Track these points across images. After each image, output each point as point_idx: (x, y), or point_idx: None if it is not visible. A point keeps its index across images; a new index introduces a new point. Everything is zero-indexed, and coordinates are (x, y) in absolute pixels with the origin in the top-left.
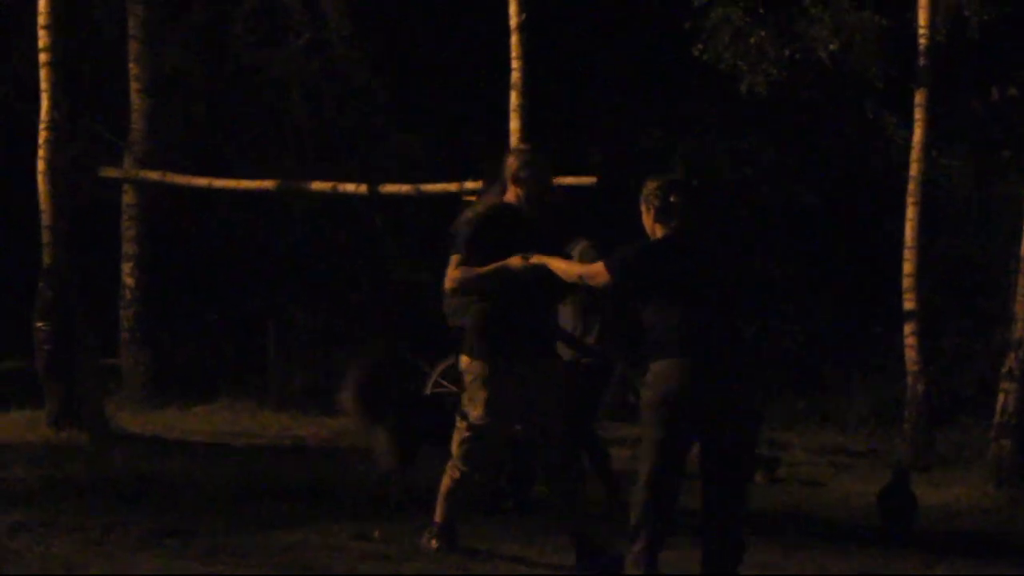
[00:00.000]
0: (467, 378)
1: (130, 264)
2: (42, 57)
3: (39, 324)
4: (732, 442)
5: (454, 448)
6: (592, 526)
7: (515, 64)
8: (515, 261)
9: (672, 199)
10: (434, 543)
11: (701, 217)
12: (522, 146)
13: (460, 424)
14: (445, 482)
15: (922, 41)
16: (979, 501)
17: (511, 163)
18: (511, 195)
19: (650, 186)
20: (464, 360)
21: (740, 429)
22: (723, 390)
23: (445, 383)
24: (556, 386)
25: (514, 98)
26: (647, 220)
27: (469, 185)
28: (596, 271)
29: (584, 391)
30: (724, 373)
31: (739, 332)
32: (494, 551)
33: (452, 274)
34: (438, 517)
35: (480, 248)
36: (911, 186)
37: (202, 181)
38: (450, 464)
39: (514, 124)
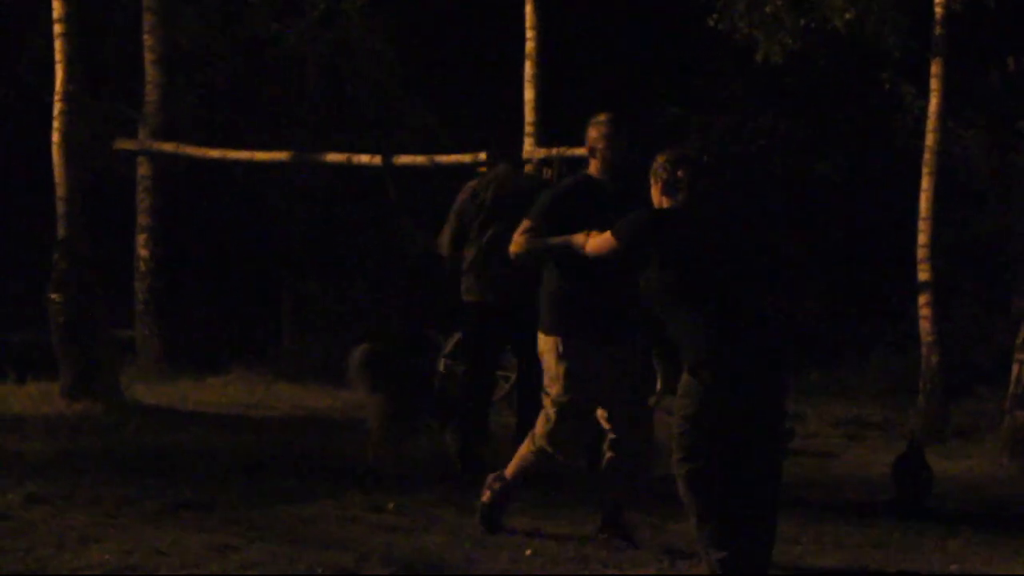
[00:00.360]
0: (544, 356)
1: (144, 236)
2: (57, 28)
3: (53, 296)
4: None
5: (538, 427)
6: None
7: (529, 34)
8: (580, 238)
9: (679, 173)
10: (487, 495)
11: (708, 192)
12: (601, 116)
13: (544, 402)
14: (526, 446)
15: (938, 10)
16: (993, 472)
17: (590, 133)
18: (593, 167)
19: (659, 159)
20: (540, 337)
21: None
22: (749, 406)
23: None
24: (629, 372)
25: (528, 68)
26: (655, 193)
27: (483, 157)
28: (604, 239)
29: None
30: (749, 387)
31: (764, 322)
32: (509, 523)
33: (518, 239)
34: (508, 472)
35: (553, 218)
36: (926, 156)
37: (216, 153)
38: (534, 434)
39: (529, 94)
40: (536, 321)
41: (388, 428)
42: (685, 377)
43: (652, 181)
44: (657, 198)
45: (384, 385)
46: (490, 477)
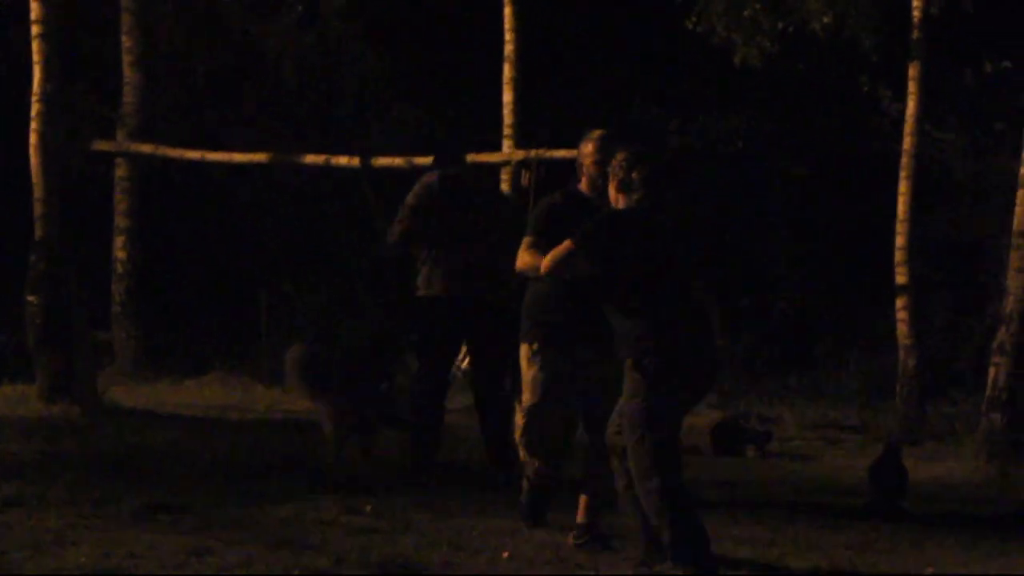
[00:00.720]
0: (521, 362)
1: (122, 237)
2: (34, 29)
3: (30, 298)
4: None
5: (516, 434)
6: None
7: (508, 37)
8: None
9: (634, 174)
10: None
11: (663, 191)
12: (593, 133)
13: (517, 407)
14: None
15: (916, 14)
16: (970, 475)
17: (580, 148)
18: (582, 182)
19: (617, 157)
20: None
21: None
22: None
23: None
24: (604, 377)
25: (507, 71)
26: (611, 190)
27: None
28: (563, 250)
29: None
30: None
31: (703, 316)
32: (487, 526)
33: (521, 256)
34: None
35: (547, 229)
36: (904, 160)
37: (195, 154)
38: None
39: (507, 97)
40: (494, 317)
41: (340, 432)
42: (630, 375)
43: (610, 179)
44: (613, 195)
45: (327, 389)
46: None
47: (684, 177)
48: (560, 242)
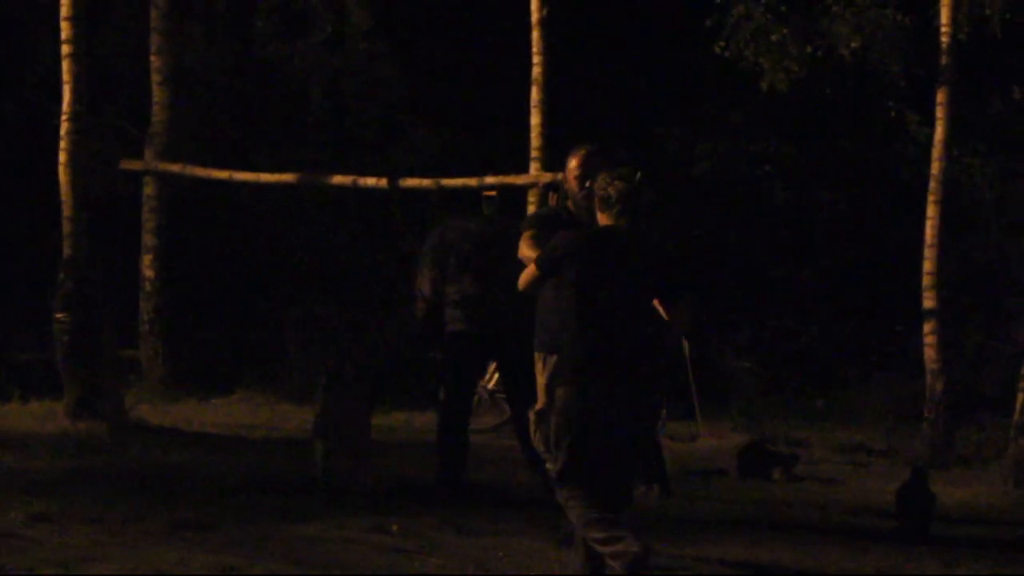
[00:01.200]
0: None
1: (149, 256)
2: (64, 49)
3: (59, 315)
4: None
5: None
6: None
7: (536, 60)
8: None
9: (612, 192)
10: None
11: (641, 211)
12: (580, 149)
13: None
14: None
15: (944, 39)
16: (998, 500)
17: (566, 164)
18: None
19: (599, 177)
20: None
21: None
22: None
23: None
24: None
25: (535, 93)
26: (595, 207)
27: (489, 180)
28: (530, 268)
29: None
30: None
31: (647, 341)
32: (512, 546)
33: (525, 248)
34: None
35: (538, 230)
36: (932, 185)
37: (222, 174)
38: None
39: (535, 119)
40: (520, 344)
41: (333, 446)
42: (559, 392)
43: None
44: (597, 213)
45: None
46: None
47: (711, 201)
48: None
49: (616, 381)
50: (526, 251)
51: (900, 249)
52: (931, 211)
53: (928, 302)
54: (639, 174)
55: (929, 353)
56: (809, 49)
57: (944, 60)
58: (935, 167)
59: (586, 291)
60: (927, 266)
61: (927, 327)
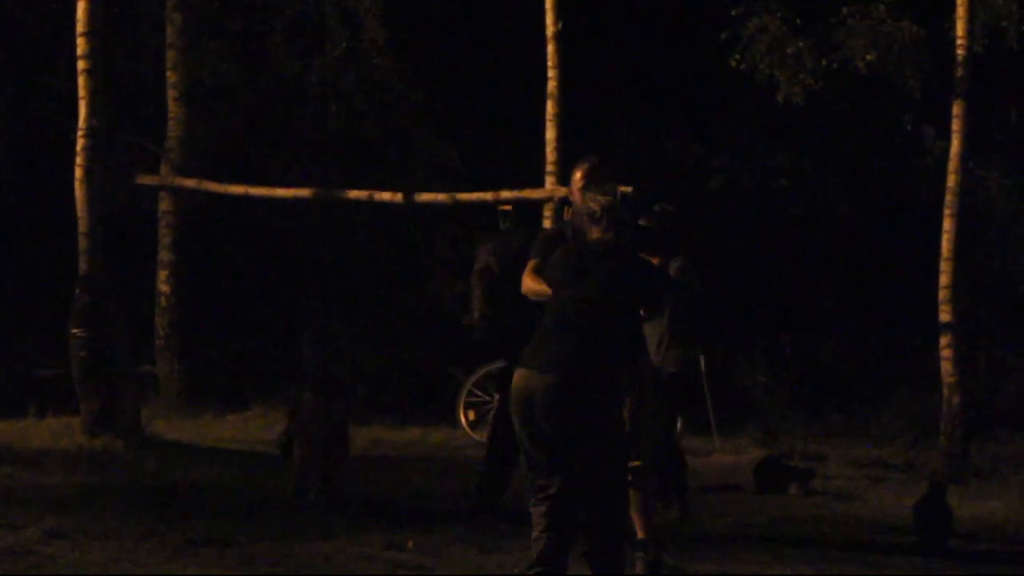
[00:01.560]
0: None
1: (166, 272)
2: (81, 64)
3: (75, 331)
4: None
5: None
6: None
7: (551, 73)
8: None
9: (593, 206)
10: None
11: (625, 226)
12: (585, 161)
13: None
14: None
15: (960, 51)
16: (1015, 514)
17: (573, 175)
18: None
19: (588, 192)
20: None
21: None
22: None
23: (478, 392)
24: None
25: (550, 107)
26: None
27: (504, 194)
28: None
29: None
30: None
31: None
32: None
33: (524, 281)
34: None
35: (540, 257)
36: (948, 198)
37: (238, 189)
38: None
39: (550, 134)
40: None
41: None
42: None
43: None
44: (585, 225)
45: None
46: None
47: (727, 215)
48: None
49: (566, 372)
50: (529, 284)
51: (916, 263)
52: (947, 224)
53: (944, 316)
54: (623, 189)
55: (946, 367)
56: (824, 62)
57: (960, 72)
58: (951, 180)
59: (559, 297)
60: (943, 280)
61: (944, 341)
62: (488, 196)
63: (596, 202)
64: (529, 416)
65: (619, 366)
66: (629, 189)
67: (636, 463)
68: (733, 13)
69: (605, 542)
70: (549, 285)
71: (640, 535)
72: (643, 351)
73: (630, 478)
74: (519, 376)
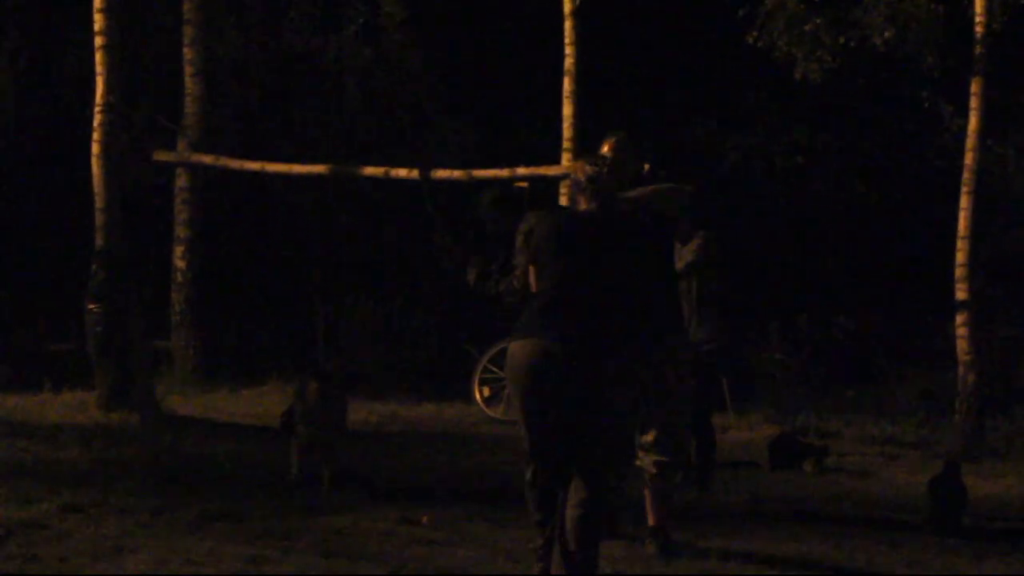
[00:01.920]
0: None
1: (181, 247)
2: (97, 40)
3: (91, 306)
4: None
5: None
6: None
7: (568, 50)
8: None
9: (579, 176)
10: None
11: (611, 198)
12: (613, 135)
13: None
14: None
15: (978, 29)
16: None
17: (600, 149)
18: None
19: (576, 163)
20: None
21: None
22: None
23: (493, 368)
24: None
25: (567, 84)
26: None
27: (521, 171)
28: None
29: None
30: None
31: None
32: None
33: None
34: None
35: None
36: (965, 175)
37: (255, 165)
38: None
39: (567, 110)
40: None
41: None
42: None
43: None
44: (575, 196)
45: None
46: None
47: (743, 192)
48: None
49: (564, 340)
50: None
51: (932, 240)
52: (964, 202)
53: (960, 293)
54: (609, 160)
55: (961, 345)
56: (842, 40)
57: (978, 50)
58: (969, 157)
59: (544, 268)
60: (960, 257)
61: (959, 319)
62: (504, 173)
63: (583, 171)
64: (531, 385)
65: (619, 338)
66: (647, 166)
67: (663, 458)
68: None
69: (594, 507)
70: (536, 260)
71: (652, 523)
72: (679, 334)
73: (654, 471)
74: (518, 346)
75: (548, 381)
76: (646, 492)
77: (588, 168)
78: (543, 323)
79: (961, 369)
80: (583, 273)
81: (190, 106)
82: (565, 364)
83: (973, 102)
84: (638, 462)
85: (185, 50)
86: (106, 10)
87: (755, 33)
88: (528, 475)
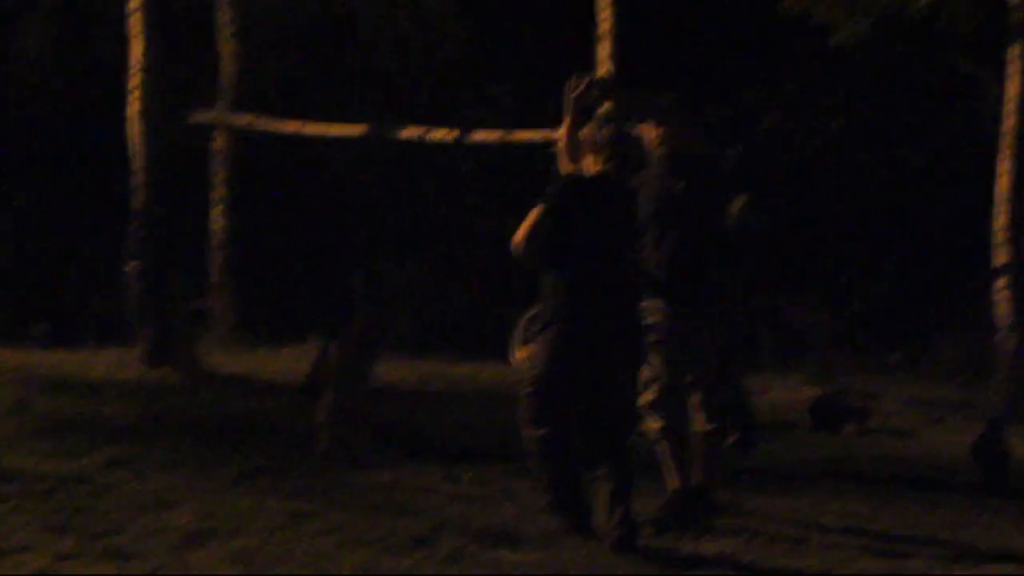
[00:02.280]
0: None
1: (220, 208)
2: (133, 2)
3: (130, 264)
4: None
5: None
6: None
7: (604, 15)
8: None
9: (599, 140)
10: None
11: (628, 161)
12: (665, 95)
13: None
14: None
15: None
16: None
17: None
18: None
19: (592, 122)
20: None
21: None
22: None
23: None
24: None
25: (602, 49)
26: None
27: (556, 134)
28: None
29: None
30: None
31: (626, 290)
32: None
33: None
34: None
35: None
36: (1008, 139)
37: (292, 126)
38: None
39: (602, 71)
40: None
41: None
42: (539, 338)
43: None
44: (590, 160)
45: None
46: None
47: (781, 157)
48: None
49: (596, 321)
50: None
51: (972, 204)
52: (1005, 166)
53: (1001, 257)
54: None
55: (1003, 308)
56: (881, 5)
57: (1016, 16)
58: (1009, 122)
59: (562, 236)
60: (1001, 221)
61: (1000, 283)
62: (540, 135)
63: (602, 132)
64: (578, 358)
65: (631, 308)
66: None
67: (710, 426)
68: None
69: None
70: (558, 232)
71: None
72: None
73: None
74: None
75: (590, 364)
76: (658, 453)
77: (608, 129)
78: (583, 303)
79: (1002, 333)
80: (609, 239)
81: (227, 67)
82: (603, 347)
83: (1011, 68)
84: (644, 425)
85: (222, 10)
86: None
87: None
88: (538, 445)
